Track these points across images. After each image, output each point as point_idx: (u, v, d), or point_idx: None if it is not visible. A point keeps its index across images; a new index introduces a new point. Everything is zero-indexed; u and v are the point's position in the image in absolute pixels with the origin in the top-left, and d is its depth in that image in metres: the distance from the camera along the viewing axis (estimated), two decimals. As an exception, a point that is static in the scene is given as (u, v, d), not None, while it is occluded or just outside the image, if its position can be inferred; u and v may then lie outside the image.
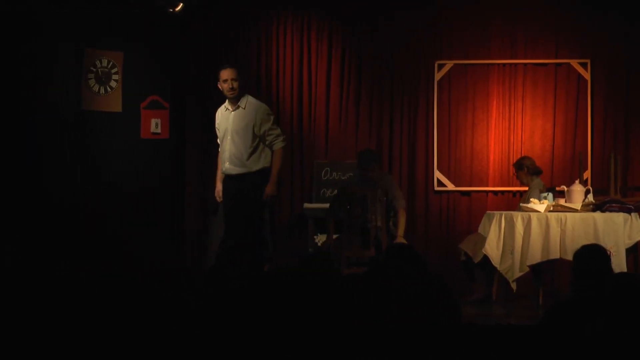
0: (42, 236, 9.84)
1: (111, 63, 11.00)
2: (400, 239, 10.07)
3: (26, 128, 10.13)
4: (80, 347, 4.52)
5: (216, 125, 9.73)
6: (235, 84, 9.47)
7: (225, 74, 9.49)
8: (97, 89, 10.96)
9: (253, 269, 6.28)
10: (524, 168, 10.42)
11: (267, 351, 4.07)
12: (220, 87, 9.54)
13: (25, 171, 10.02)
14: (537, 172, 10.47)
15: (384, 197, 10.04)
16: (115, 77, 11.02)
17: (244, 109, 9.52)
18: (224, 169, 9.57)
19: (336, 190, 10.69)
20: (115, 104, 11.06)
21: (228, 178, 9.57)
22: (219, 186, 9.72)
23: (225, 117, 9.58)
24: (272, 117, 9.64)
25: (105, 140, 10.91)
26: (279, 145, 9.53)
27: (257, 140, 9.46)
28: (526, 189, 10.65)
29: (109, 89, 11.02)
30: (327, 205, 10.69)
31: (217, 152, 9.76)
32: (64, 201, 10.27)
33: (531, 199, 9.61)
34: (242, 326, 4.25)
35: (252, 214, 9.46)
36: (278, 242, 10.92)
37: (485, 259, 9.52)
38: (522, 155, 10.85)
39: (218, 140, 9.72)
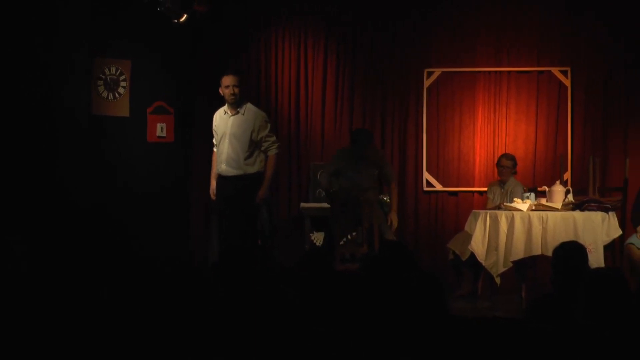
0: (55, 233, 9.86)
1: (119, 71, 11.04)
2: (395, 214, 10.14)
3: (42, 131, 10.17)
4: (88, 344, 4.53)
5: (214, 127, 9.73)
6: (237, 90, 9.49)
7: (228, 80, 9.51)
8: (106, 95, 11.00)
9: (253, 265, 6.33)
10: (516, 165, 10.53)
11: (269, 346, 4.10)
12: (221, 92, 9.56)
13: (41, 171, 10.06)
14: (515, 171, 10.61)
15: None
16: (123, 84, 11.07)
17: (243, 115, 9.54)
18: (220, 170, 9.58)
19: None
20: (123, 109, 11.10)
21: (223, 179, 9.58)
22: (213, 184, 9.75)
23: (224, 121, 9.59)
24: (269, 125, 9.67)
25: (114, 143, 10.94)
26: (273, 151, 9.57)
27: (253, 145, 9.50)
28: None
29: (117, 95, 11.06)
30: (322, 204, 10.74)
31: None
32: (76, 200, 10.30)
33: (515, 199, 9.66)
34: (246, 322, 4.28)
35: (249, 213, 9.52)
36: (276, 239, 10.98)
37: (472, 257, 9.57)
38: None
39: (214, 141, 9.76)
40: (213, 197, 9.76)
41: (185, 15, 10.63)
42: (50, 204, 10.03)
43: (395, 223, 10.20)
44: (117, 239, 10.35)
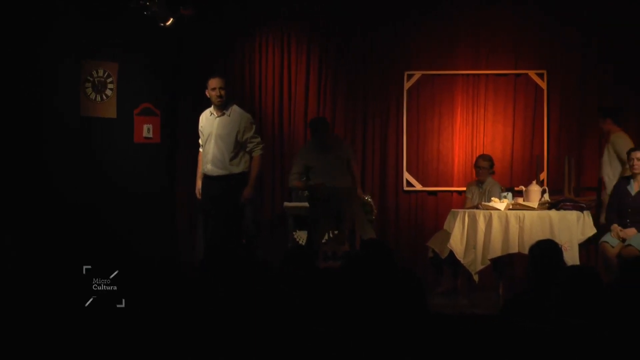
0: (44, 232, 9.86)
1: (107, 73, 11.04)
2: (359, 189, 10.17)
3: (32, 133, 10.17)
4: (80, 337, 4.52)
5: (200, 128, 9.72)
6: (223, 92, 9.48)
7: (214, 82, 9.50)
8: (94, 96, 11.00)
9: (238, 263, 6.34)
10: (493, 166, 10.57)
11: (257, 339, 4.11)
12: (208, 95, 9.55)
13: (30, 172, 10.06)
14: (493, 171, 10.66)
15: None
16: (110, 86, 11.06)
17: (229, 116, 9.53)
18: (205, 170, 9.57)
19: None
20: (110, 111, 11.10)
21: (209, 179, 9.57)
22: (199, 184, 9.74)
23: (210, 122, 9.59)
24: (254, 126, 9.67)
25: (102, 144, 10.95)
26: (258, 152, 9.57)
27: (238, 146, 9.50)
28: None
29: (104, 97, 11.06)
30: (305, 204, 10.72)
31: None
32: (64, 200, 10.30)
33: (492, 198, 9.69)
34: (231, 316, 4.28)
35: (233, 212, 9.52)
36: (260, 238, 11.02)
37: (452, 254, 9.57)
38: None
39: (200, 141, 9.76)
40: (199, 196, 9.76)
41: (172, 19, 10.64)
42: (40, 204, 10.02)
43: (362, 194, 10.23)
44: (104, 237, 10.35)
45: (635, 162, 9.32)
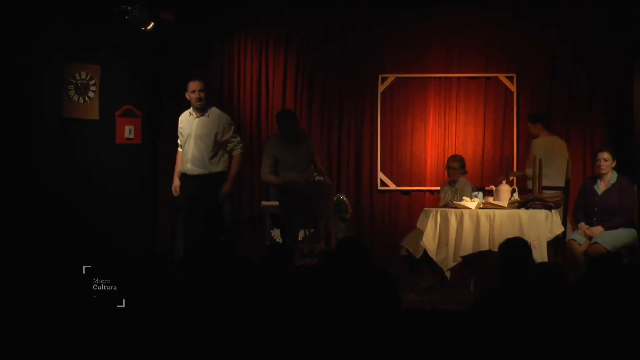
0: (26, 231, 9.84)
1: (89, 75, 11.04)
2: (327, 178, 10.29)
3: (15, 134, 10.15)
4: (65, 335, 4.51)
5: (179, 129, 9.77)
6: (202, 95, 9.54)
7: (194, 85, 9.56)
8: (77, 98, 10.99)
9: (218, 258, 6.37)
10: (464, 166, 10.64)
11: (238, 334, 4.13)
12: (188, 97, 9.60)
13: (13, 173, 10.03)
14: (465, 171, 10.72)
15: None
16: (93, 88, 11.06)
17: (208, 117, 9.59)
18: (185, 169, 9.61)
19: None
20: (92, 112, 11.10)
21: (188, 177, 9.61)
22: (176, 182, 9.76)
23: (189, 122, 9.63)
24: (232, 127, 9.73)
25: (85, 145, 10.95)
26: (238, 151, 9.64)
27: (218, 146, 9.55)
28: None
29: (87, 99, 11.06)
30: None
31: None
32: (47, 200, 10.28)
33: (464, 197, 9.74)
34: (213, 311, 4.30)
35: (212, 210, 9.55)
36: (240, 236, 11.05)
37: (426, 253, 9.61)
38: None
39: (179, 141, 9.79)
40: (175, 193, 9.79)
41: (152, 23, 10.65)
42: (22, 205, 10.01)
43: (329, 181, 10.34)
44: (86, 236, 10.34)
45: (602, 162, 9.42)
